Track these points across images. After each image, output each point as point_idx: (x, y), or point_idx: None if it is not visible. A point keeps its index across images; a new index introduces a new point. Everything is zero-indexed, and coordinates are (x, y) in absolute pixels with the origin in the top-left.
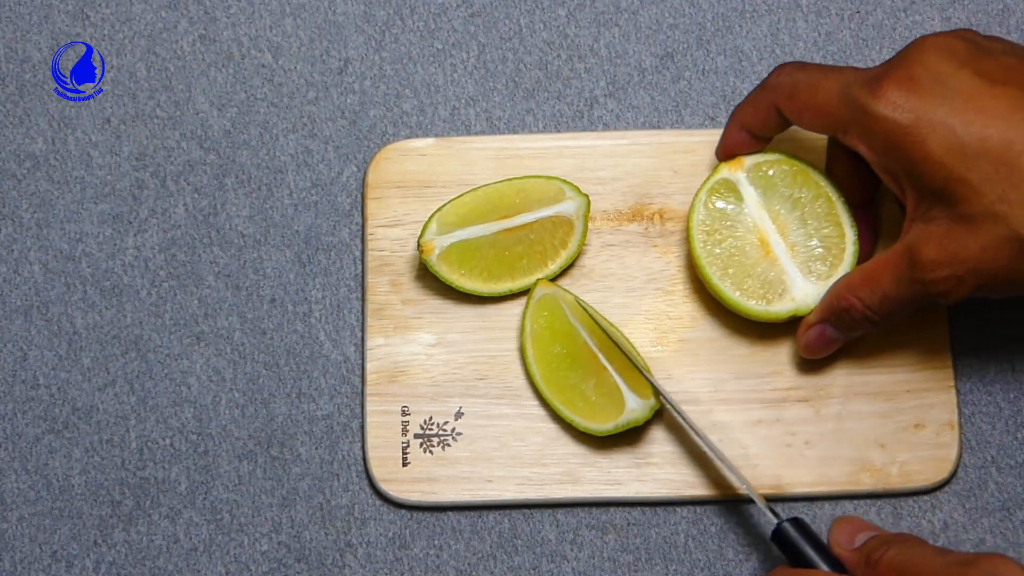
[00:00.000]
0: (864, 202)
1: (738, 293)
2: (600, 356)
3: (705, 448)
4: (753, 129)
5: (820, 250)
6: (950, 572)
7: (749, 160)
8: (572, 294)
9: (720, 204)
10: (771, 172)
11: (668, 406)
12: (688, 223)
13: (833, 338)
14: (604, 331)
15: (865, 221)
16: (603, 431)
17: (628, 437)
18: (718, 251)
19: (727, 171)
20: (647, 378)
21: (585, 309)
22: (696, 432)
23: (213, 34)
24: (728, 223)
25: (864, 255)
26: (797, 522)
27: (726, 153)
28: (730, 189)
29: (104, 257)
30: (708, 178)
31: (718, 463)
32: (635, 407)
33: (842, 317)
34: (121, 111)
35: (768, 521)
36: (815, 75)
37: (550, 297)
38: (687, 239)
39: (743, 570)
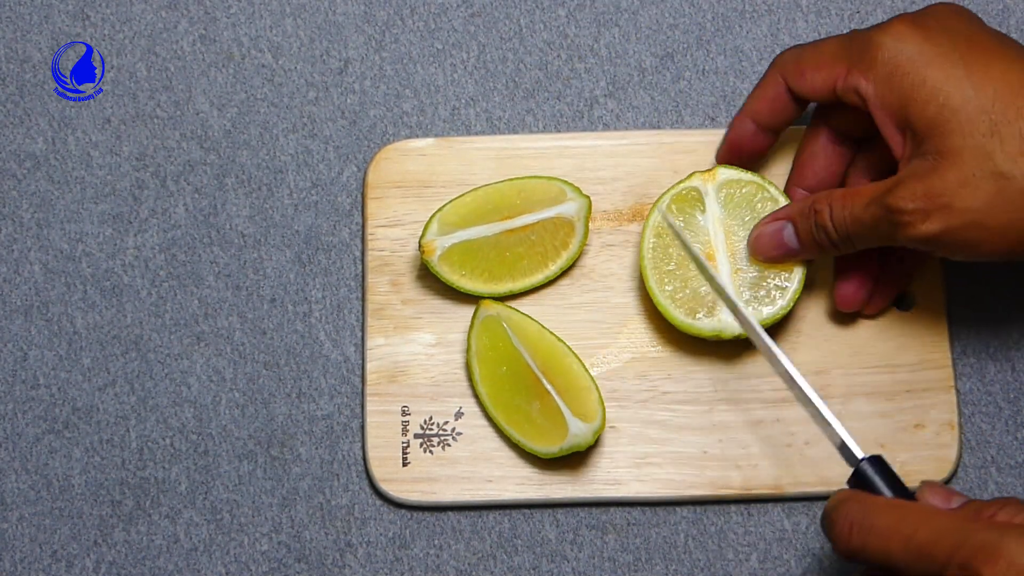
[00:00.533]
0: (830, 180)
1: (670, 303)
2: (543, 380)
3: (795, 380)
4: (761, 117)
5: (763, 281)
6: None
7: (724, 174)
8: (520, 313)
9: (682, 210)
10: (741, 192)
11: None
12: (645, 221)
13: (787, 240)
14: (689, 251)
15: (866, 270)
16: (548, 454)
17: (627, 436)
18: (664, 256)
19: (698, 180)
20: (731, 302)
21: (678, 235)
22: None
23: (213, 34)
24: (684, 229)
25: (856, 301)
26: (877, 461)
27: (730, 148)
28: (695, 199)
29: (104, 257)
30: (677, 183)
31: (809, 399)
32: (577, 432)
33: (806, 218)
34: (121, 111)
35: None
36: (819, 41)
37: (493, 319)
38: (640, 235)
39: (743, 570)
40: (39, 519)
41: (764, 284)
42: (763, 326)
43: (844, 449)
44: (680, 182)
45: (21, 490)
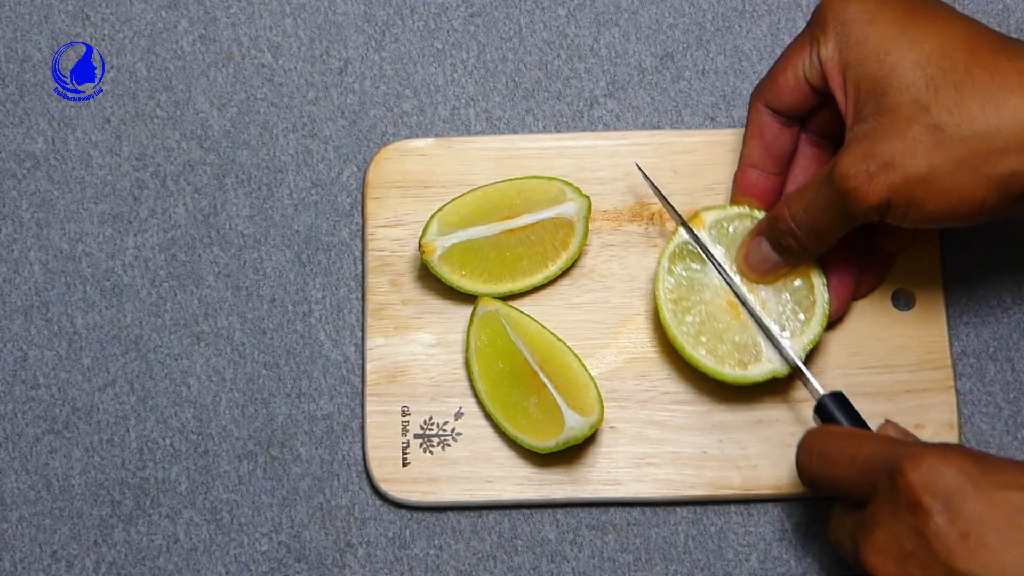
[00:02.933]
0: (777, 156)
1: (713, 360)
2: (540, 374)
3: (753, 313)
4: (757, 158)
5: (791, 304)
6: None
7: (709, 217)
8: (520, 311)
9: (683, 270)
10: (732, 229)
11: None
12: (655, 292)
13: (767, 255)
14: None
15: (849, 262)
16: (544, 448)
17: (627, 436)
18: (689, 319)
19: (686, 234)
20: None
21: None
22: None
23: (213, 34)
24: (695, 288)
25: (845, 296)
26: (838, 396)
27: (754, 140)
28: (691, 254)
29: (104, 257)
30: (668, 243)
31: (769, 335)
32: (574, 425)
33: (772, 227)
34: (121, 111)
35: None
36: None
37: (492, 315)
38: (655, 309)
39: (743, 570)
40: (39, 519)
41: (794, 311)
42: (812, 347)
43: (811, 389)
44: (668, 242)
45: (21, 490)
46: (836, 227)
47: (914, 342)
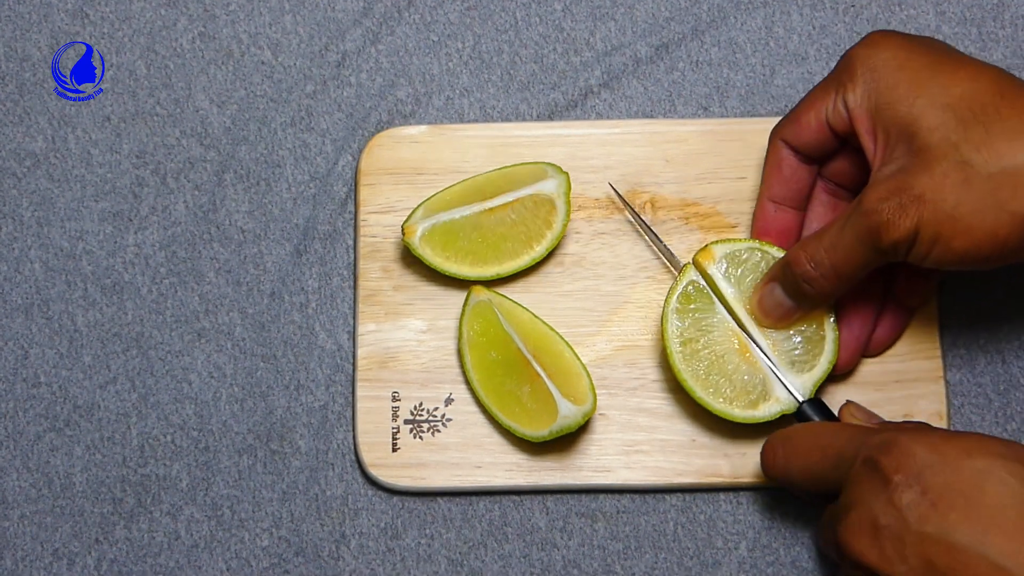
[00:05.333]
0: (796, 193)
1: (722, 401)
2: (533, 363)
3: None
4: (776, 194)
5: (799, 340)
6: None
7: (720, 250)
8: (512, 301)
9: (691, 311)
10: (742, 261)
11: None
12: (663, 333)
13: (781, 300)
14: None
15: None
16: (538, 437)
17: (617, 424)
18: (697, 361)
19: (692, 272)
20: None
21: None
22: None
23: (212, 31)
24: (704, 329)
25: (855, 349)
26: (817, 402)
27: (760, 236)
28: (699, 292)
29: (105, 255)
30: (676, 283)
31: (754, 337)
32: (568, 413)
33: (787, 272)
34: (121, 109)
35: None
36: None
37: (484, 304)
38: (663, 350)
39: (732, 558)
40: (40, 517)
41: (803, 346)
42: (822, 382)
43: (792, 395)
44: (677, 282)
45: (22, 488)
46: (860, 265)
47: (905, 333)
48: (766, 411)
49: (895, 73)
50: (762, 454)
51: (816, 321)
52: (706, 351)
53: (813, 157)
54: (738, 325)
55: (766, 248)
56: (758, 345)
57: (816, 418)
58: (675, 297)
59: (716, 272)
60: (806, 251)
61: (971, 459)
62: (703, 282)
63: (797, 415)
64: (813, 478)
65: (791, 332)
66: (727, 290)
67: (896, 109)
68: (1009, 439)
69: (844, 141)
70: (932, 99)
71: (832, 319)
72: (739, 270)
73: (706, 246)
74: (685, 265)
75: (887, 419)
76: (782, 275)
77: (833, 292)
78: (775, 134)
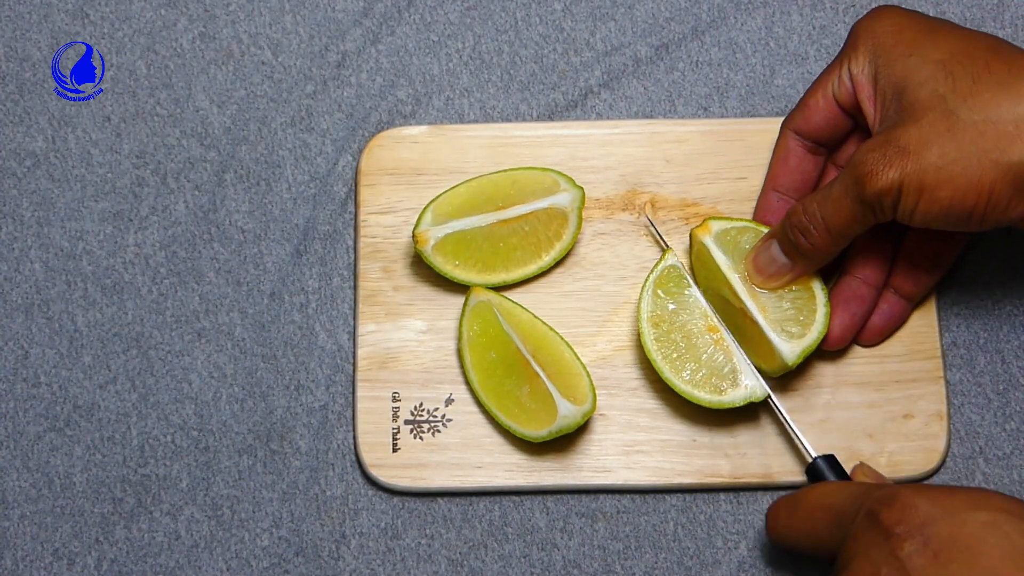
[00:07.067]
0: (803, 183)
1: (690, 385)
2: (533, 363)
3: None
4: (782, 184)
5: (791, 310)
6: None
7: (716, 225)
8: (512, 301)
9: (667, 292)
10: (736, 238)
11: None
12: (637, 313)
13: (776, 256)
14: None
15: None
16: (537, 437)
17: (617, 424)
18: (668, 343)
19: (672, 258)
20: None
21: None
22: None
23: (213, 32)
24: (678, 311)
25: (849, 327)
26: (830, 459)
27: (778, 164)
28: (677, 276)
29: (105, 255)
30: (656, 265)
31: (745, 302)
32: (567, 413)
33: (785, 225)
34: (121, 109)
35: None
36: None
37: (484, 304)
38: (636, 330)
39: (732, 558)
40: (40, 517)
41: (794, 316)
42: (810, 352)
43: (804, 451)
44: (656, 265)
45: (22, 488)
46: (848, 218)
47: (904, 332)
48: (733, 396)
49: (893, 36)
50: (766, 517)
51: (808, 292)
52: (678, 334)
53: (822, 142)
54: (725, 298)
55: (762, 228)
56: (749, 312)
57: (829, 475)
58: (651, 278)
59: (711, 243)
60: (804, 205)
61: (974, 512)
62: (682, 267)
63: (809, 471)
64: (815, 539)
65: (783, 301)
66: (720, 258)
67: (892, 69)
68: (1010, 495)
69: (853, 118)
70: (924, 56)
71: (824, 294)
72: (732, 243)
73: (704, 221)
74: (666, 249)
75: (889, 421)
76: (781, 229)
77: (826, 248)
78: (784, 126)
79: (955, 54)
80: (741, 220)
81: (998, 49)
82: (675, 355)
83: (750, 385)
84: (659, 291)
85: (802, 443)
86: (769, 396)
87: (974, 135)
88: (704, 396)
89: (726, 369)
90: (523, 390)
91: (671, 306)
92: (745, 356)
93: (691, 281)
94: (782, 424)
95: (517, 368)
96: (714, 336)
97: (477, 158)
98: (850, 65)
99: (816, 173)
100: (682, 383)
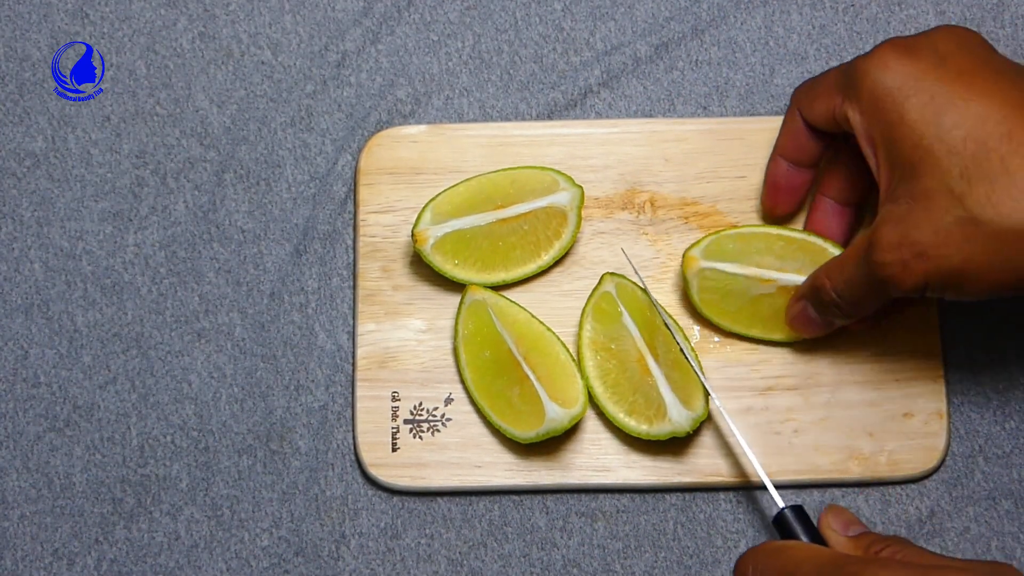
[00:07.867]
0: (855, 201)
1: (623, 413)
2: (523, 364)
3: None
4: (788, 153)
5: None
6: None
7: (698, 250)
8: (508, 300)
9: (605, 318)
10: (725, 244)
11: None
12: (578, 335)
13: (813, 318)
14: (670, 330)
15: (843, 218)
16: (526, 438)
17: (614, 424)
18: (605, 366)
19: (609, 284)
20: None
21: (655, 304)
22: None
23: (212, 31)
24: (616, 337)
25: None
26: (797, 509)
27: (769, 190)
28: (611, 304)
29: (105, 255)
30: (595, 289)
31: (739, 445)
32: (554, 416)
33: (816, 296)
34: (121, 109)
35: (769, 506)
36: (826, 71)
37: (479, 303)
38: (578, 354)
39: (731, 557)
40: (40, 517)
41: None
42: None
43: (771, 499)
44: (596, 288)
45: (22, 488)
46: (876, 302)
47: (904, 331)
48: (659, 429)
49: (902, 104)
50: (733, 571)
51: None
52: (615, 360)
53: (827, 132)
54: (645, 346)
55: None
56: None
57: (795, 525)
58: (591, 304)
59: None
60: (831, 279)
61: (943, 572)
62: (616, 295)
63: (776, 522)
64: None
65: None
66: (730, 268)
67: (901, 147)
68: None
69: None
70: (937, 140)
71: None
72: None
73: (685, 253)
74: (604, 275)
75: (889, 420)
76: (812, 296)
77: (860, 315)
78: (794, 100)
79: (969, 144)
80: (719, 232)
81: (1014, 133)
82: (611, 381)
83: (675, 419)
84: (598, 314)
85: (770, 491)
86: (738, 440)
87: (997, 245)
88: (633, 425)
89: (654, 400)
90: (514, 391)
91: (609, 330)
92: (671, 390)
93: (623, 311)
94: (782, 423)
95: (508, 369)
96: (642, 366)
97: (476, 157)
98: (850, 110)
99: (821, 149)
100: (612, 409)
